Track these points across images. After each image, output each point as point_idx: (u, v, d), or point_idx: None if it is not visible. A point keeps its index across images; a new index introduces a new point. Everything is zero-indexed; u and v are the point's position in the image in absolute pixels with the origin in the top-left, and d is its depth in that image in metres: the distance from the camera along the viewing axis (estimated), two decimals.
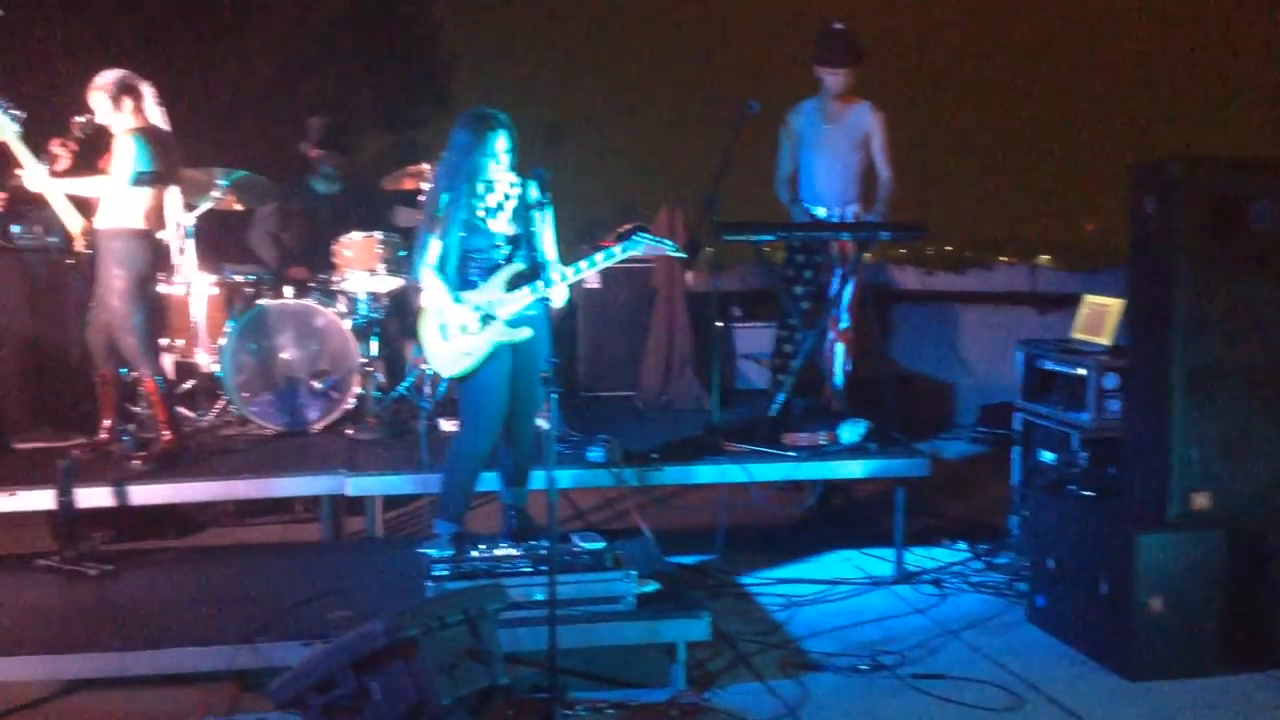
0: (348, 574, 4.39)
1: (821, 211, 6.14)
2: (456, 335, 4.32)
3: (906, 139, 6.51)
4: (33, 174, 4.94)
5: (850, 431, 5.38)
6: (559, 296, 4.36)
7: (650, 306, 6.78)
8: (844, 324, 6.09)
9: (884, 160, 6.10)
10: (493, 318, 4.31)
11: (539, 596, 3.78)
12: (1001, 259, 9.78)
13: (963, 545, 5.64)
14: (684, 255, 5.21)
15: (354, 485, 4.92)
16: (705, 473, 5.20)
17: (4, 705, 3.89)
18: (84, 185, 4.98)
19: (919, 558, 5.44)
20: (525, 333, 4.33)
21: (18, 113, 4.96)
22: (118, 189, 4.92)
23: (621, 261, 4.45)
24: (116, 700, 3.92)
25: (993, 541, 5.60)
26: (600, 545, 4.15)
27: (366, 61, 9.97)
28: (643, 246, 4.39)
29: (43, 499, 4.62)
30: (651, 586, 4.06)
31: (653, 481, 5.15)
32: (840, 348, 6.12)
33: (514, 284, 4.33)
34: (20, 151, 4.94)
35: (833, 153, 6.10)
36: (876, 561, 5.43)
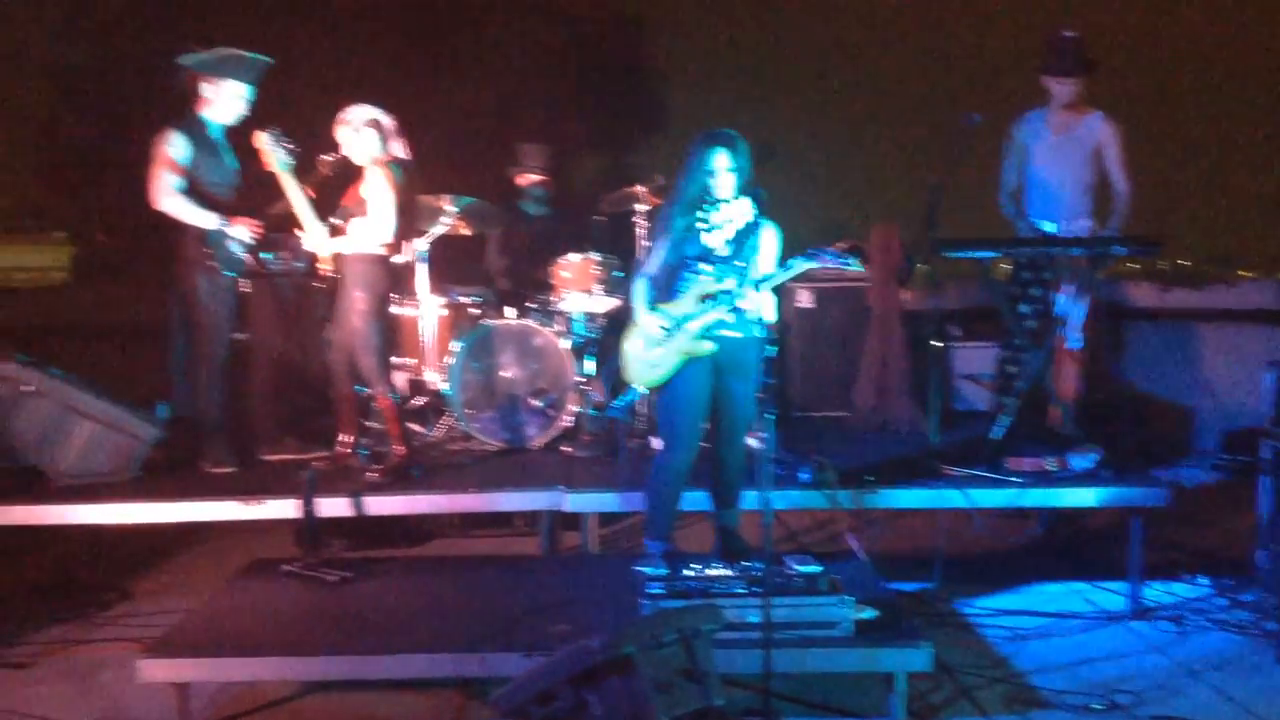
0: (565, 588, 4.49)
1: (1050, 227, 5.89)
2: (648, 345, 4.41)
3: (1145, 149, 6.18)
4: (298, 203, 5.31)
5: (1081, 457, 5.12)
6: (765, 310, 4.34)
7: (865, 325, 6.66)
8: (1074, 344, 5.81)
9: (1120, 173, 5.81)
10: (680, 329, 4.35)
11: (753, 619, 3.76)
12: (1244, 273, 9.13)
13: (1205, 580, 5.27)
14: (860, 268, 5.08)
15: (571, 501, 5.04)
16: (922, 497, 5.06)
17: (252, 703, 4.18)
18: (352, 237, 5.29)
19: (1156, 593, 5.11)
20: (708, 346, 4.34)
21: (292, 147, 5.36)
22: (381, 221, 5.22)
23: (832, 277, 4.42)
24: (351, 703, 4.15)
25: (1238, 577, 5.20)
26: (815, 569, 4.09)
27: (581, 87, 10.26)
28: (821, 261, 4.35)
29: (288, 508, 4.93)
30: (869, 613, 3.97)
31: (868, 504, 5.05)
32: (1070, 369, 5.84)
33: (707, 298, 4.36)
34: (290, 186, 5.32)
35: (1062, 166, 5.85)
36: (1109, 595, 5.13)
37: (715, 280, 4.37)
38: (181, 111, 5.39)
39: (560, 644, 3.48)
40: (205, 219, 5.30)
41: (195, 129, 5.36)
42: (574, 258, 6.09)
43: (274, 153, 5.31)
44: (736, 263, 4.37)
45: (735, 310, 4.32)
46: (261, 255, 5.53)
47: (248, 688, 4.22)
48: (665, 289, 4.44)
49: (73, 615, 5.11)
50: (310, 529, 4.83)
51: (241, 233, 5.37)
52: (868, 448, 5.87)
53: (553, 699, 3.19)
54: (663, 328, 4.37)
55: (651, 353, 4.42)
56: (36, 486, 5.13)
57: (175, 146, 5.26)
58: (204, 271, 5.33)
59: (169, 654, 3.90)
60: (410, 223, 5.58)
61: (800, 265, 4.34)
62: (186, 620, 4.28)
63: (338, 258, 5.35)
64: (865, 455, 5.57)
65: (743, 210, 4.41)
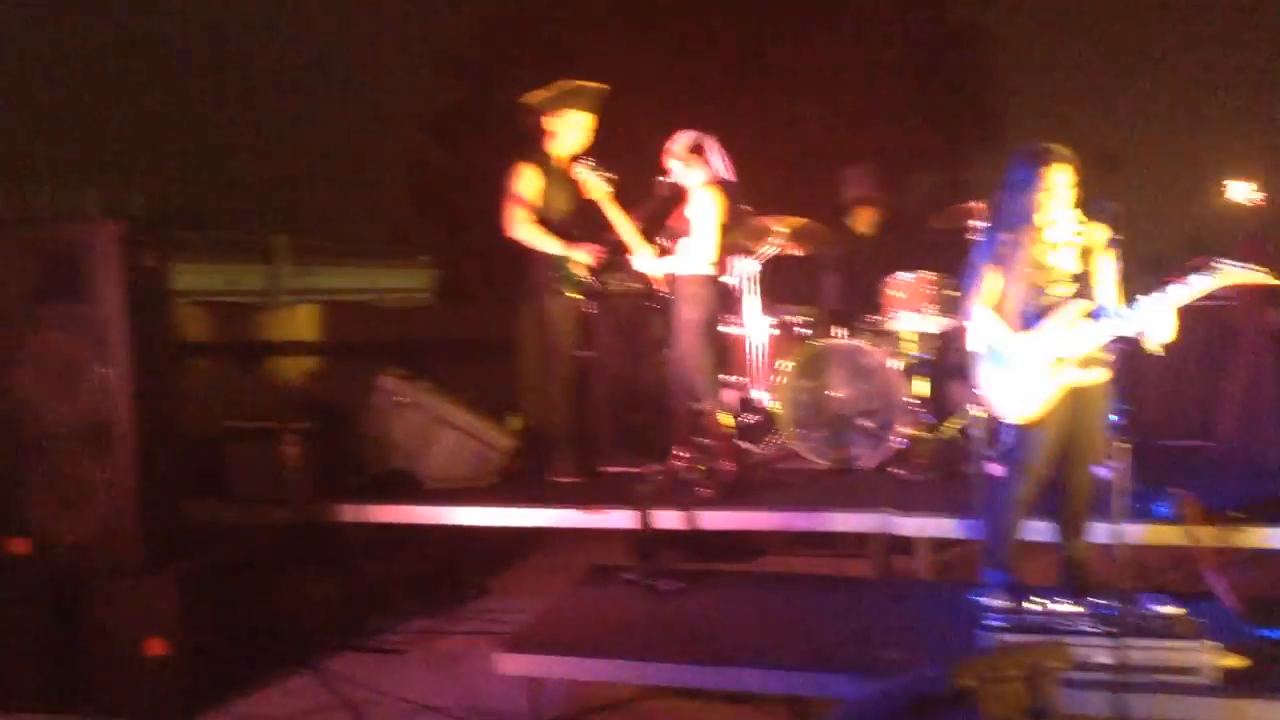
0: (897, 613, 4.42)
1: None
2: (1019, 377, 4.21)
3: None
4: (622, 227, 5.59)
5: None
6: (1155, 333, 4.05)
7: (1229, 348, 6.11)
8: None
9: None
10: (1058, 359, 4.14)
11: (1104, 660, 3.54)
12: None
13: None
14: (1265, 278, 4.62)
15: (903, 525, 4.96)
16: None
17: (590, 703, 4.41)
18: (678, 258, 5.51)
19: None
20: (1096, 375, 4.11)
21: (607, 175, 5.65)
22: (707, 242, 5.41)
23: (1199, 298, 4.07)
24: (682, 710, 4.28)
25: None
26: (1175, 609, 3.80)
27: (915, 106, 10.09)
28: (1225, 277, 3.97)
29: (625, 519, 5.16)
30: (1236, 661, 3.64)
31: (1233, 542, 4.62)
32: None
33: (1081, 323, 4.13)
34: (612, 212, 5.62)
35: None
36: None
37: (1087, 303, 4.15)
38: (531, 147, 5.79)
39: (891, 669, 3.43)
40: (552, 245, 5.66)
41: (542, 162, 5.74)
42: (906, 277, 5.99)
43: (591, 181, 5.62)
44: (1090, 283, 4.14)
45: (1112, 334, 4.08)
46: (602, 277, 5.82)
47: (588, 687, 4.46)
48: (1019, 316, 4.25)
49: (437, 608, 5.61)
50: (646, 540, 5.03)
51: (584, 257, 5.69)
52: (1232, 480, 5.37)
53: None
54: (1042, 359, 4.18)
55: (1025, 384, 4.23)
56: (408, 489, 5.66)
57: (524, 180, 5.67)
58: (552, 294, 5.69)
59: (524, 649, 4.20)
60: (736, 243, 5.71)
61: (1198, 285, 4.00)
62: (538, 619, 4.59)
63: (670, 278, 5.56)
64: (1229, 489, 5.10)
65: (1087, 226, 4.17)
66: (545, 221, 5.69)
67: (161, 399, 4.62)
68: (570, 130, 5.74)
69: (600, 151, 5.75)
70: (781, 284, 7.02)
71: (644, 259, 5.63)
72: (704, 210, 5.44)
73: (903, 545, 5.10)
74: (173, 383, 4.77)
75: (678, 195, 5.61)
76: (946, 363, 6.17)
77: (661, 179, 5.58)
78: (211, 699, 4.53)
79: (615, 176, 5.65)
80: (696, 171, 5.50)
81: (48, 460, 4.53)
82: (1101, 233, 4.13)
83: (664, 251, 5.57)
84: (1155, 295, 4.05)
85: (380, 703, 4.54)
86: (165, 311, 4.76)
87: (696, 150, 5.50)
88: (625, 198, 5.67)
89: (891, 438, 5.88)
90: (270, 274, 19.94)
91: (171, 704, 4.42)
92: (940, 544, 5.40)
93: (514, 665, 4.16)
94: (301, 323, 9.68)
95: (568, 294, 5.70)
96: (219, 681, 4.60)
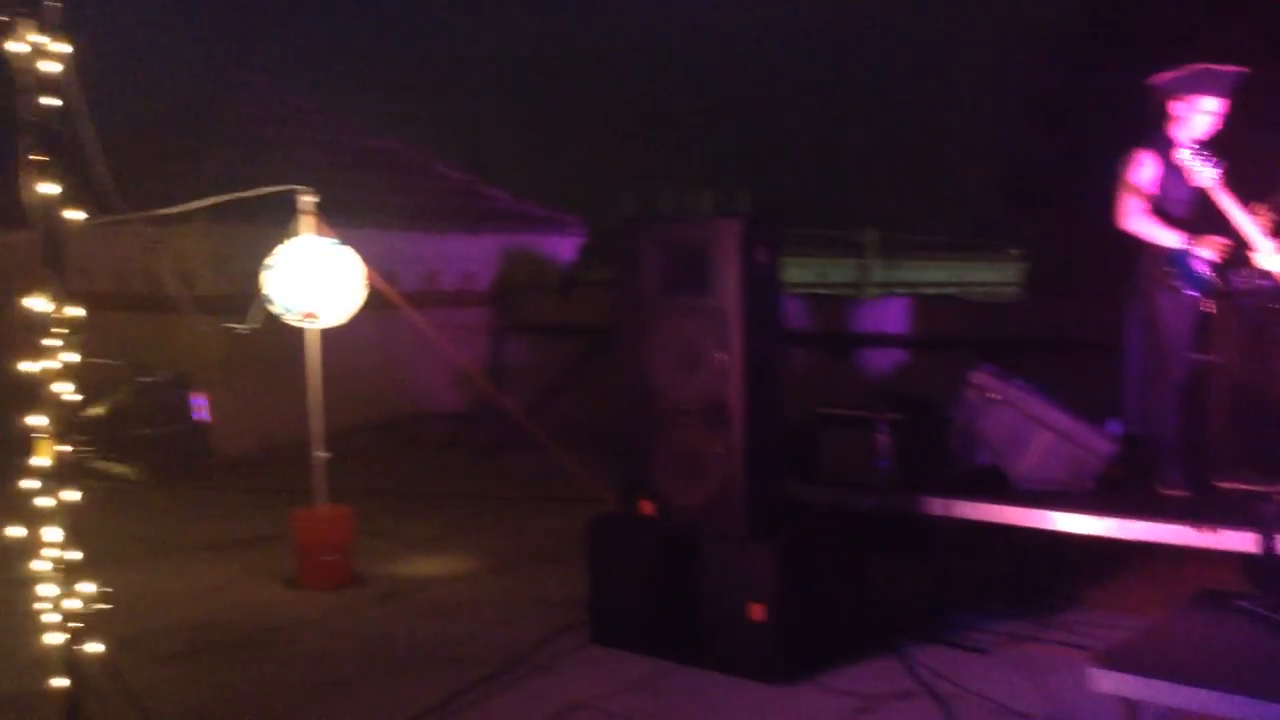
0: None
1: None
2: None
3: None
4: (1239, 219, 5.05)
5: None
6: None
7: None
8: None
9: None
10: None
11: None
12: None
13: None
14: None
15: None
16: None
17: None
18: None
19: None
20: None
21: (1213, 161, 5.12)
22: None
23: None
24: None
25: None
26: None
27: None
28: None
29: (1242, 541, 4.65)
30: None
31: None
32: None
33: None
34: (1225, 203, 5.09)
35: None
36: None
37: None
38: (1149, 133, 5.40)
39: None
40: (1169, 238, 5.26)
41: (1162, 149, 5.33)
42: None
43: (1197, 169, 5.10)
44: None
45: None
46: (1226, 274, 5.30)
47: (1189, 717, 4.09)
48: None
49: (1024, 611, 5.48)
50: (1269, 567, 4.50)
51: (1207, 251, 5.22)
52: None
53: None
54: None
55: None
56: (998, 487, 5.57)
57: (1143, 168, 5.31)
58: (1166, 290, 5.28)
59: (1121, 667, 3.95)
60: None
61: None
62: (1136, 638, 4.29)
63: None
64: None
65: None
66: (1162, 212, 5.30)
67: (770, 383, 5.00)
68: (1200, 116, 5.29)
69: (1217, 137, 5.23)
70: None
71: (1271, 256, 5.02)
72: None
73: None
74: (779, 369, 5.13)
75: None
76: None
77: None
78: (802, 668, 4.83)
79: (1223, 163, 5.12)
80: None
81: (673, 434, 5.10)
82: None
83: None
84: None
85: (964, 699, 4.54)
86: (775, 303, 5.14)
87: None
88: (1248, 190, 5.12)
89: None
90: (860, 267, 20.62)
91: (770, 666, 4.78)
92: None
93: (1109, 683, 3.93)
94: (890, 315, 9.90)
95: (1185, 290, 5.26)
96: (809, 652, 4.89)
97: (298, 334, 6.49)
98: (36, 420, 3.70)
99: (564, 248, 13.62)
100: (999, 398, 5.65)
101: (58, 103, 3.60)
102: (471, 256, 12.53)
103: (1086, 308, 8.39)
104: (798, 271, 19.18)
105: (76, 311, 3.71)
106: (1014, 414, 5.60)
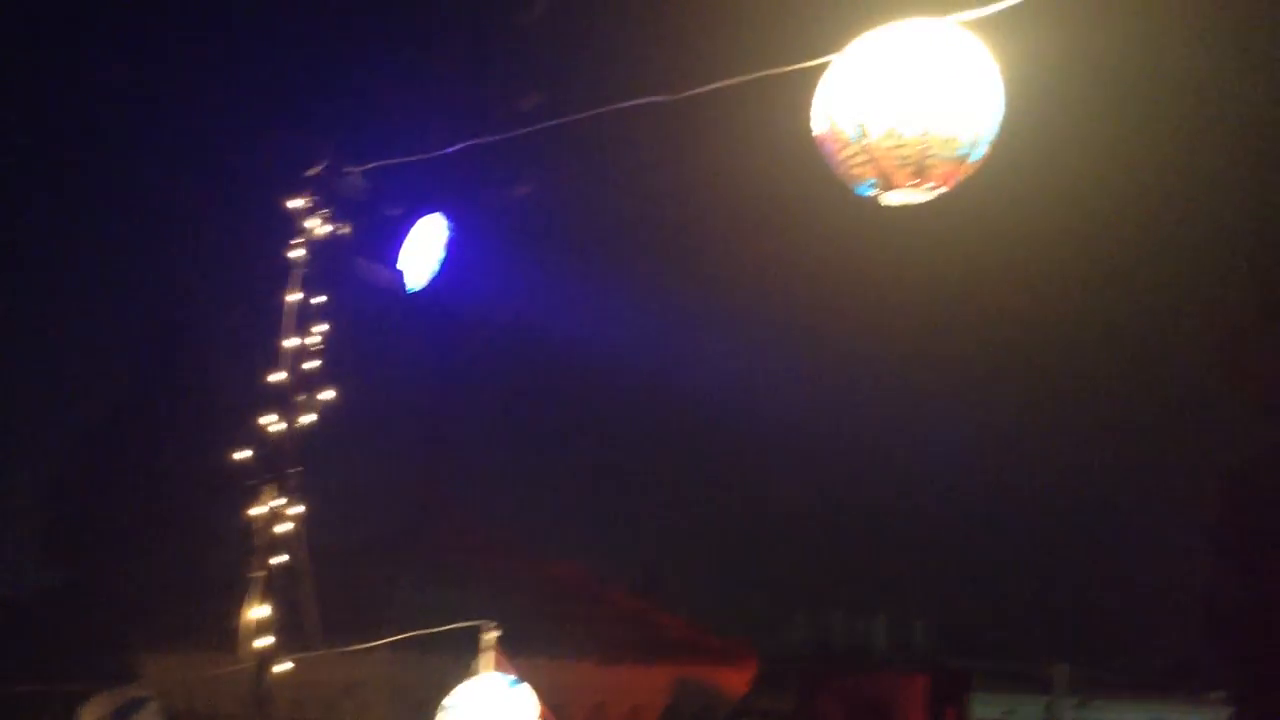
0: None
1: None
2: None
3: None
4: None
5: None
6: None
7: None
8: None
9: None
10: None
11: None
12: None
13: None
14: None
15: None
16: None
17: None
18: None
19: None
20: None
21: None
22: None
23: None
24: None
25: None
26: None
27: None
28: None
29: None
30: None
31: None
32: None
33: None
34: None
35: None
36: None
37: None
38: None
39: None
40: None
41: None
42: None
43: None
44: None
45: None
46: None
47: None
48: None
49: None
50: None
51: None
52: None
53: None
54: None
55: None
56: None
57: None
58: None
59: None
60: None
61: None
62: None
63: None
64: None
65: None
66: None
67: None
68: None
69: None
70: None
71: None
72: None
73: None
74: None
75: None
76: None
77: None
78: None
79: None
80: None
81: None
82: None
83: None
84: None
85: None
86: None
87: None
88: None
89: None
90: (1049, 706, 19.25)
91: None
92: None
93: None
94: None
95: None
96: None
97: None
98: None
99: (735, 680, 13.36)
100: None
101: (285, 558, 4.00)
102: (641, 689, 12.40)
103: None
104: (980, 708, 18.04)
105: None
106: None
